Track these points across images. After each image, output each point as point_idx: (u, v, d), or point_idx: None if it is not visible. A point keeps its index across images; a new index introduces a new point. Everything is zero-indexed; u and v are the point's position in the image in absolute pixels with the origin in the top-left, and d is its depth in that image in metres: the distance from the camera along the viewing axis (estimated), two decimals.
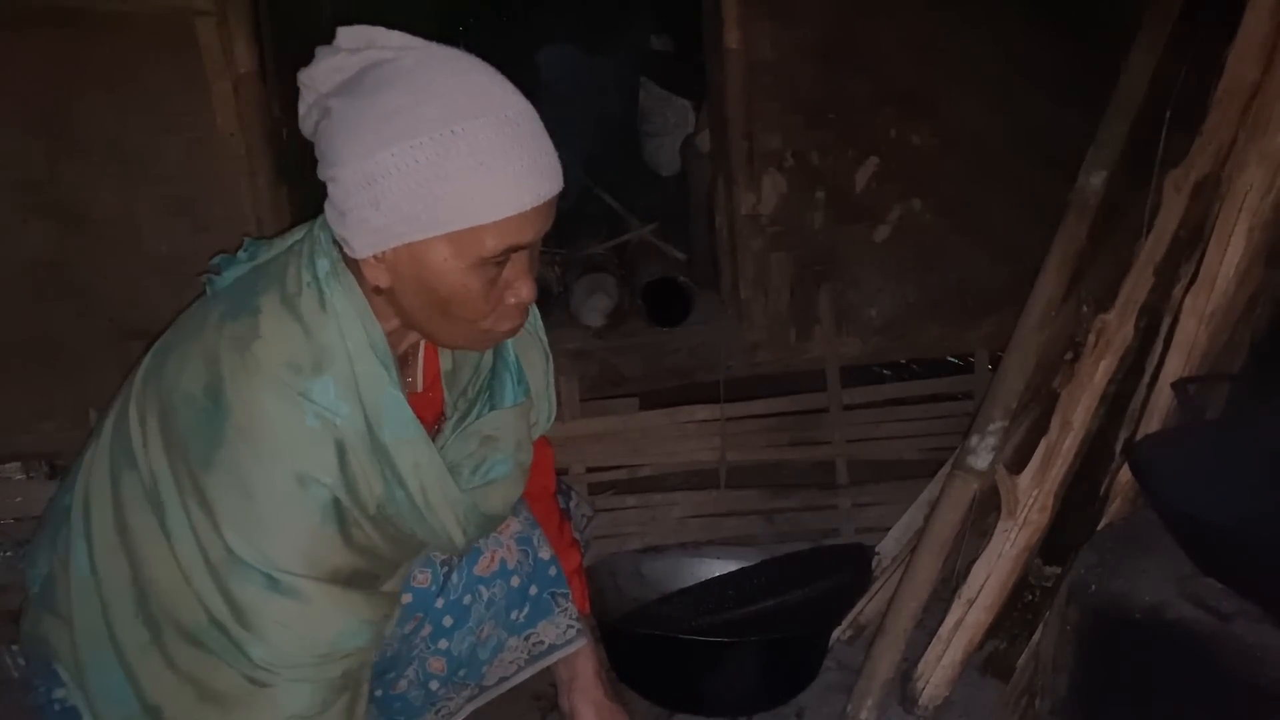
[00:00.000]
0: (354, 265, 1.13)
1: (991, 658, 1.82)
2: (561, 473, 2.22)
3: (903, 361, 2.58)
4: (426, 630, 1.36)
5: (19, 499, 2.11)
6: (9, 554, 2.10)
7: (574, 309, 2.43)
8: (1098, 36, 2.11)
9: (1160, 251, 1.72)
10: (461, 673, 1.40)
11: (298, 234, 1.23)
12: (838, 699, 1.79)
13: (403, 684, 1.38)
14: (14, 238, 1.99)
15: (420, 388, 1.29)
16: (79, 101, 1.94)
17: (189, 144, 1.98)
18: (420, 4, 3.07)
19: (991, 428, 1.81)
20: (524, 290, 1.12)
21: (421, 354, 1.29)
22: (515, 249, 1.09)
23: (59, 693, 1.23)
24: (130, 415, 1.16)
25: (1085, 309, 1.85)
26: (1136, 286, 1.72)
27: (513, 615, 1.42)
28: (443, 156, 1.02)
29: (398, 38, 1.08)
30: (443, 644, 1.37)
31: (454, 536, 1.24)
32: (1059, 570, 1.71)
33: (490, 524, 1.33)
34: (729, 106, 2.23)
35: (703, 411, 2.29)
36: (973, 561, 1.73)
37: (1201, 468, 1.33)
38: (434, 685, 1.39)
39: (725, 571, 2.04)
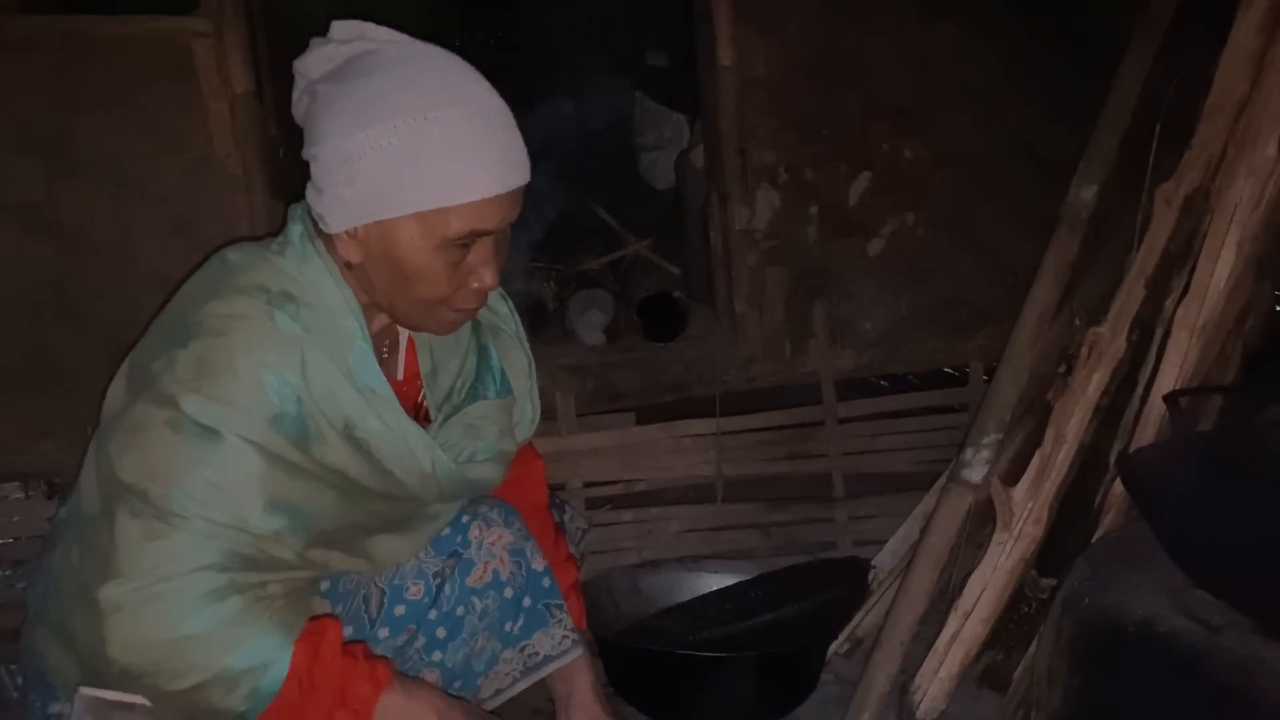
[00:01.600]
0: (327, 241, 1.18)
1: (988, 670, 1.82)
2: (558, 487, 2.23)
3: (900, 373, 2.59)
4: (420, 642, 1.36)
5: (17, 518, 2.12)
6: (7, 573, 2.10)
7: (570, 325, 2.44)
8: (1088, 51, 2.13)
9: (1151, 264, 1.73)
10: (456, 685, 1.40)
11: None
12: (835, 712, 1.79)
13: None
14: (13, 258, 2.00)
15: (400, 377, 1.32)
16: (77, 122, 1.96)
17: (186, 164, 2.00)
18: (417, 24, 3.08)
19: (985, 440, 1.82)
20: (487, 275, 1.18)
21: (403, 348, 1.33)
22: (479, 234, 1.15)
23: (55, 707, 1.23)
24: (114, 395, 1.20)
25: (1077, 321, 1.86)
26: (1128, 299, 1.73)
27: (507, 627, 1.42)
28: (415, 140, 1.10)
29: (385, 32, 1.16)
30: (436, 655, 1.37)
31: (423, 468, 1.25)
32: (1054, 582, 1.72)
33: (465, 487, 1.35)
34: (722, 122, 2.25)
35: (699, 425, 2.30)
36: (968, 574, 1.73)
37: (1193, 480, 1.34)
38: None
39: (722, 586, 2.04)
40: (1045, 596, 1.74)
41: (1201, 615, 1.21)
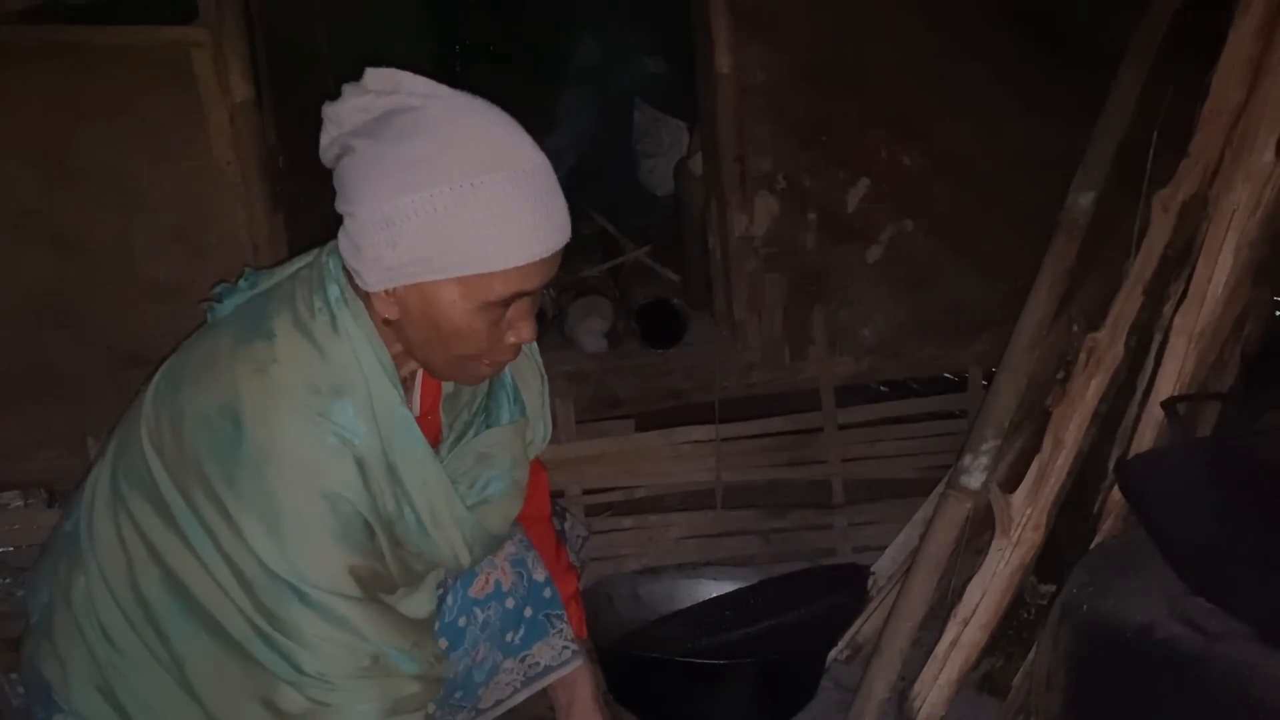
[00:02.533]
0: (363, 294, 1.17)
1: (988, 676, 1.83)
2: (558, 494, 2.23)
3: (900, 380, 2.59)
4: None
5: (17, 526, 2.12)
6: (7, 581, 2.10)
7: (569, 332, 2.44)
8: (1086, 58, 2.13)
9: (1149, 270, 1.74)
10: (458, 695, 1.40)
11: (299, 262, 1.26)
12: (835, 719, 1.79)
13: None
14: (12, 267, 2.01)
15: (418, 411, 1.30)
16: (77, 131, 1.96)
17: (186, 173, 2.00)
18: (415, 31, 3.09)
19: (984, 447, 1.82)
20: (525, 331, 1.17)
21: (419, 380, 1.31)
22: (521, 295, 1.14)
23: (58, 718, 1.24)
24: (142, 438, 1.18)
25: (1076, 328, 1.86)
26: (1126, 305, 1.73)
27: (508, 637, 1.43)
28: (460, 206, 1.08)
29: (423, 84, 1.12)
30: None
31: (460, 555, 1.27)
32: (1054, 588, 1.72)
33: (494, 542, 1.36)
34: (721, 130, 2.25)
35: (698, 432, 2.30)
36: (968, 580, 1.73)
37: (1191, 487, 1.34)
38: (429, 707, 1.39)
39: (722, 592, 2.04)
40: (1044, 603, 1.74)
41: (1199, 622, 1.21)
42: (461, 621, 1.38)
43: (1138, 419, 1.69)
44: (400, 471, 1.18)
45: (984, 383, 2.37)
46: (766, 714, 1.85)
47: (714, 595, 2.04)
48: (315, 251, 1.24)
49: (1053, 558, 1.73)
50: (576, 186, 3.29)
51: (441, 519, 1.23)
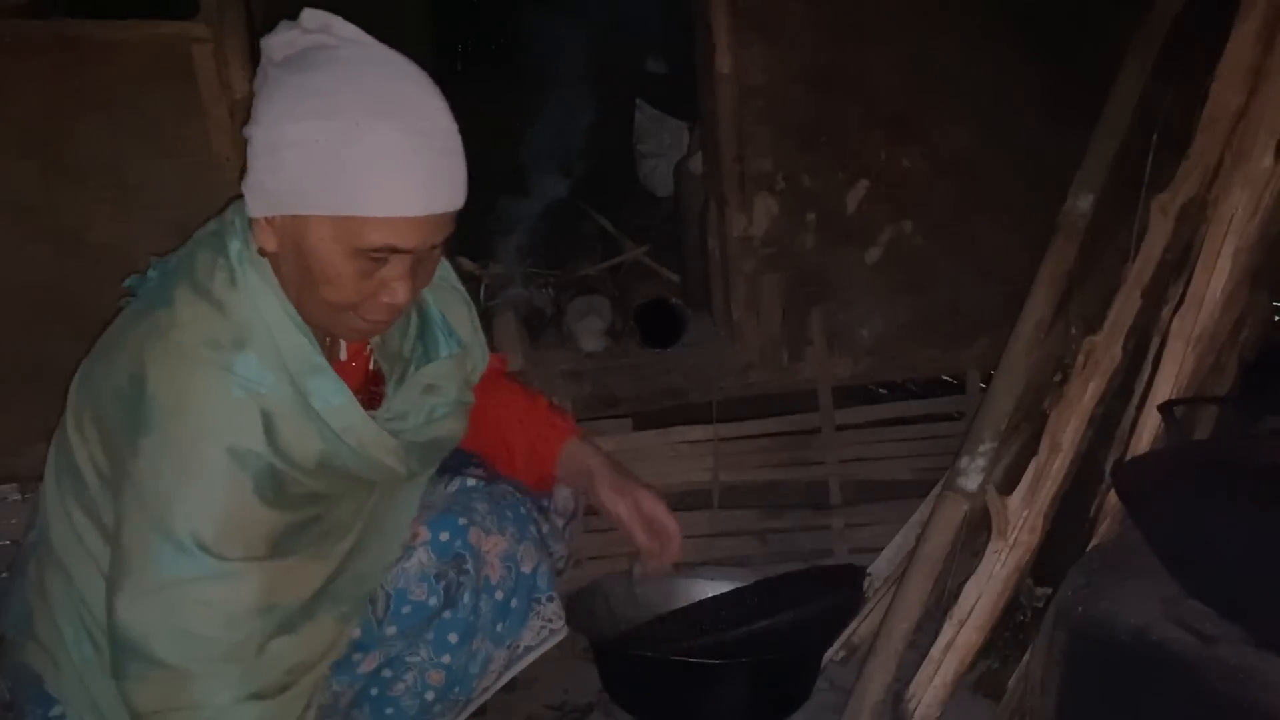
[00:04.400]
0: (255, 238, 1.16)
1: (983, 678, 1.83)
2: None
3: (898, 381, 2.59)
4: (430, 635, 1.37)
5: (14, 521, 2.12)
6: (4, 575, 2.10)
7: (567, 331, 2.44)
8: (1086, 61, 2.13)
9: (1148, 274, 1.74)
10: (456, 690, 1.41)
11: (200, 232, 1.27)
12: None
13: (399, 688, 1.38)
14: (10, 261, 2.00)
15: (344, 356, 1.31)
16: (76, 126, 1.95)
17: (185, 168, 1.99)
18: (415, 28, 3.09)
19: (981, 449, 1.82)
20: (400, 292, 1.15)
21: None
22: (395, 250, 1.13)
23: (55, 710, 1.24)
24: (68, 429, 1.19)
25: (1074, 331, 1.86)
26: (1124, 308, 1.73)
27: (498, 628, 1.44)
28: (344, 143, 1.08)
29: (352, 30, 1.14)
30: (446, 659, 1.38)
31: (396, 470, 1.27)
32: (1050, 591, 1.72)
33: (434, 452, 1.36)
34: (720, 130, 2.25)
35: (696, 432, 2.30)
36: (964, 582, 1.74)
37: (1187, 490, 1.34)
38: (430, 696, 1.39)
39: (718, 592, 2.04)
40: (1040, 605, 1.74)
41: (1194, 625, 1.21)
42: (473, 618, 1.39)
43: (1135, 422, 1.69)
44: (324, 417, 1.18)
45: (982, 385, 2.38)
46: (762, 714, 1.85)
47: (710, 595, 2.03)
48: (221, 211, 1.25)
49: (1049, 560, 1.73)
50: (576, 186, 3.32)
51: (373, 451, 1.23)
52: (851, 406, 2.39)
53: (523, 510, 1.46)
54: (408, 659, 1.38)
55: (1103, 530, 1.67)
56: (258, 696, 1.14)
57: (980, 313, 2.37)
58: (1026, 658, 1.69)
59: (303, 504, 1.19)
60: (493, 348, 2.35)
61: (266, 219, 1.14)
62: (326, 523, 1.24)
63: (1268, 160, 1.63)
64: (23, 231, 1.99)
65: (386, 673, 1.38)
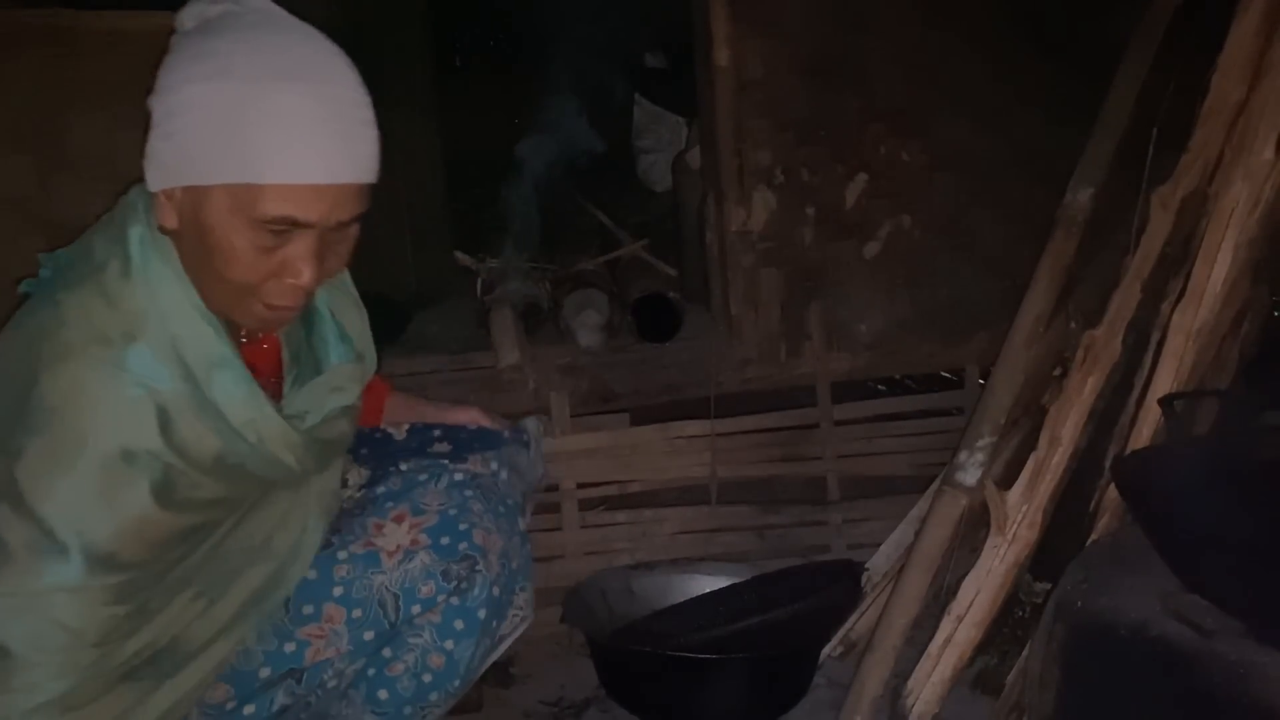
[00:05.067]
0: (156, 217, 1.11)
1: (982, 674, 1.82)
2: (552, 489, 2.23)
3: (897, 376, 2.59)
4: (436, 619, 1.36)
5: None
6: None
7: (564, 325, 2.43)
8: (1085, 54, 2.13)
9: (1148, 268, 1.73)
10: (456, 683, 1.41)
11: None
12: (828, 716, 1.79)
13: (399, 668, 1.37)
14: (4, 254, 1.99)
15: (245, 339, 1.25)
16: (71, 118, 1.94)
17: None
18: (414, 22, 3.08)
19: (980, 444, 1.81)
20: (304, 272, 1.09)
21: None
22: (295, 223, 1.06)
23: None
24: None
25: (1074, 325, 1.85)
26: (1124, 302, 1.73)
27: (494, 624, 1.43)
28: (241, 106, 1.02)
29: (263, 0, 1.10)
30: (449, 644, 1.37)
31: (293, 468, 1.22)
32: (1049, 586, 1.71)
33: (329, 453, 1.31)
34: (719, 124, 2.24)
35: (693, 427, 2.29)
36: (962, 578, 1.73)
37: (1187, 484, 1.33)
38: (427, 678, 1.38)
39: (716, 588, 2.03)
40: (1039, 600, 1.73)
41: (1194, 619, 1.21)
42: (482, 614, 1.38)
43: (1135, 417, 1.69)
44: (223, 409, 1.12)
45: (981, 380, 2.37)
46: (760, 710, 1.84)
47: (708, 591, 2.03)
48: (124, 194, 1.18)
49: (1048, 556, 1.72)
50: (575, 181, 3.31)
51: (274, 447, 1.17)
52: (850, 401, 2.38)
53: (511, 502, 1.46)
54: (410, 640, 1.37)
55: (1102, 525, 1.66)
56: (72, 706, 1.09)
57: (979, 307, 2.36)
58: (1025, 653, 1.68)
59: (201, 508, 1.14)
60: (489, 343, 2.38)
61: (165, 193, 1.08)
62: (233, 525, 1.20)
63: (1268, 153, 1.62)
64: (16, 224, 1.98)
65: (386, 652, 1.37)
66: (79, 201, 1.98)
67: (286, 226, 1.06)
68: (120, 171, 1.96)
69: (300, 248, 1.08)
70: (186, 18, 1.12)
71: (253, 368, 1.17)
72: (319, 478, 1.33)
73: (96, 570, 1.06)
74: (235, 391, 1.12)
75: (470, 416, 1.58)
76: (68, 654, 1.08)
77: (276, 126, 1.03)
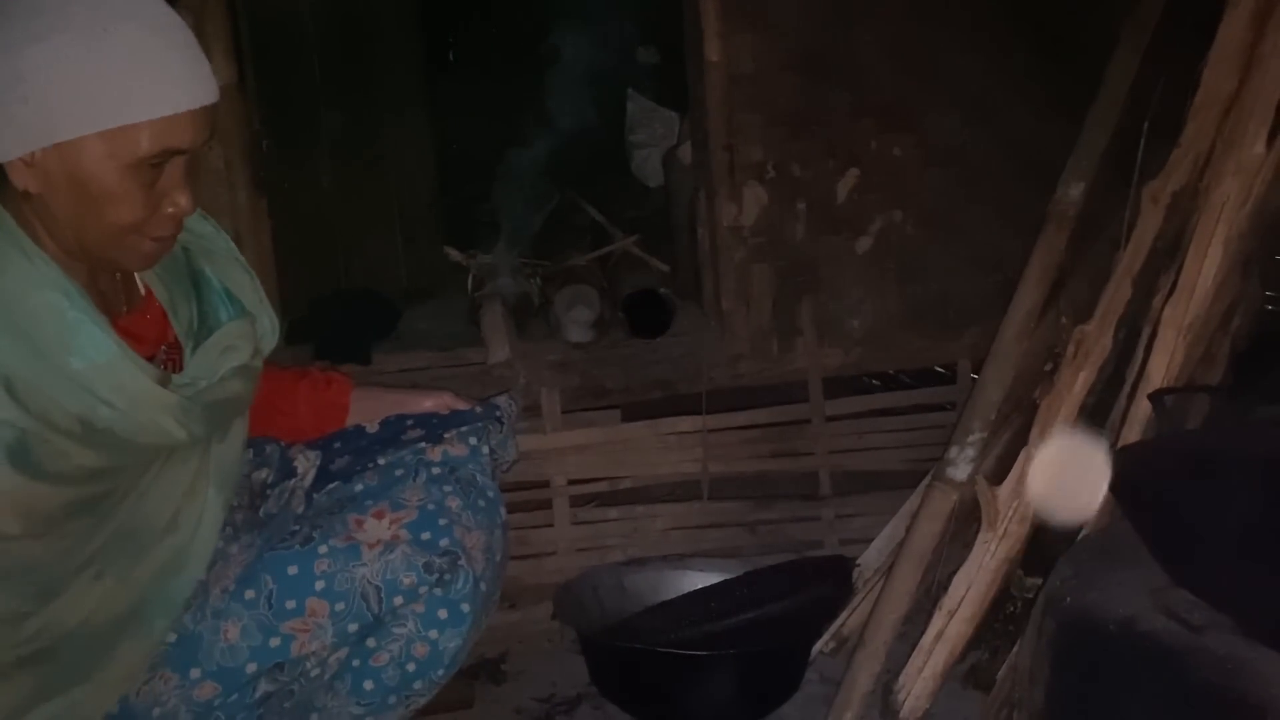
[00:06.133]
0: (8, 188, 1.10)
1: (974, 669, 1.82)
2: (543, 485, 2.23)
3: (889, 371, 2.58)
4: (421, 609, 1.36)
5: None
6: None
7: (555, 321, 2.43)
8: (1077, 49, 2.12)
9: (1139, 262, 1.73)
10: (440, 673, 1.40)
11: None
12: (819, 711, 1.78)
13: (383, 657, 1.37)
14: None
15: (126, 309, 1.25)
16: None
17: None
18: (404, 15, 3.07)
19: (971, 439, 1.81)
20: (182, 199, 1.13)
21: (140, 281, 1.28)
22: (172, 152, 1.09)
23: None
24: None
25: (1064, 320, 1.85)
26: (1115, 297, 1.73)
27: (481, 617, 1.43)
28: (95, 53, 1.04)
29: None
30: (433, 634, 1.37)
31: (174, 433, 1.20)
32: (1040, 581, 1.71)
33: (221, 414, 1.29)
34: (710, 118, 2.24)
35: (685, 423, 2.29)
36: (954, 573, 1.73)
37: (1176, 479, 1.33)
38: (410, 667, 1.38)
39: (707, 584, 2.03)
40: (1031, 596, 1.73)
41: (1182, 614, 1.21)
42: (465, 608, 1.38)
43: (1125, 412, 1.68)
44: (87, 377, 1.11)
45: (973, 375, 2.37)
46: (751, 705, 1.84)
47: (699, 587, 2.03)
48: None
49: (1040, 551, 1.72)
50: (568, 176, 3.30)
51: (146, 411, 1.16)
52: (842, 397, 2.38)
53: (490, 494, 1.45)
54: (394, 630, 1.37)
55: (1094, 520, 1.66)
56: None
57: (971, 302, 2.36)
58: (1016, 648, 1.68)
59: (81, 480, 1.13)
60: (480, 338, 2.37)
61: (24, 160, 1.07)
62: (110, 500, 1.18)
63: (1259, 147, 1.62)
64: None
65: (371, 642, 1.37)
66: None
67: (163, 159, 1.09)
68: None
69: (175, 176, 1.12)
70: None
71: (135, 337, 1.17)
72: (218, 447, 1.31)
73: None
74: (98, 357, 1.12)
75: (441, 402, 1.58)
76: None
77: (136, 65, 1.06)
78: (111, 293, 1.24)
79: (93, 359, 1.11)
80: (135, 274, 1.27)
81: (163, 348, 1.27)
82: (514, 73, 4.01)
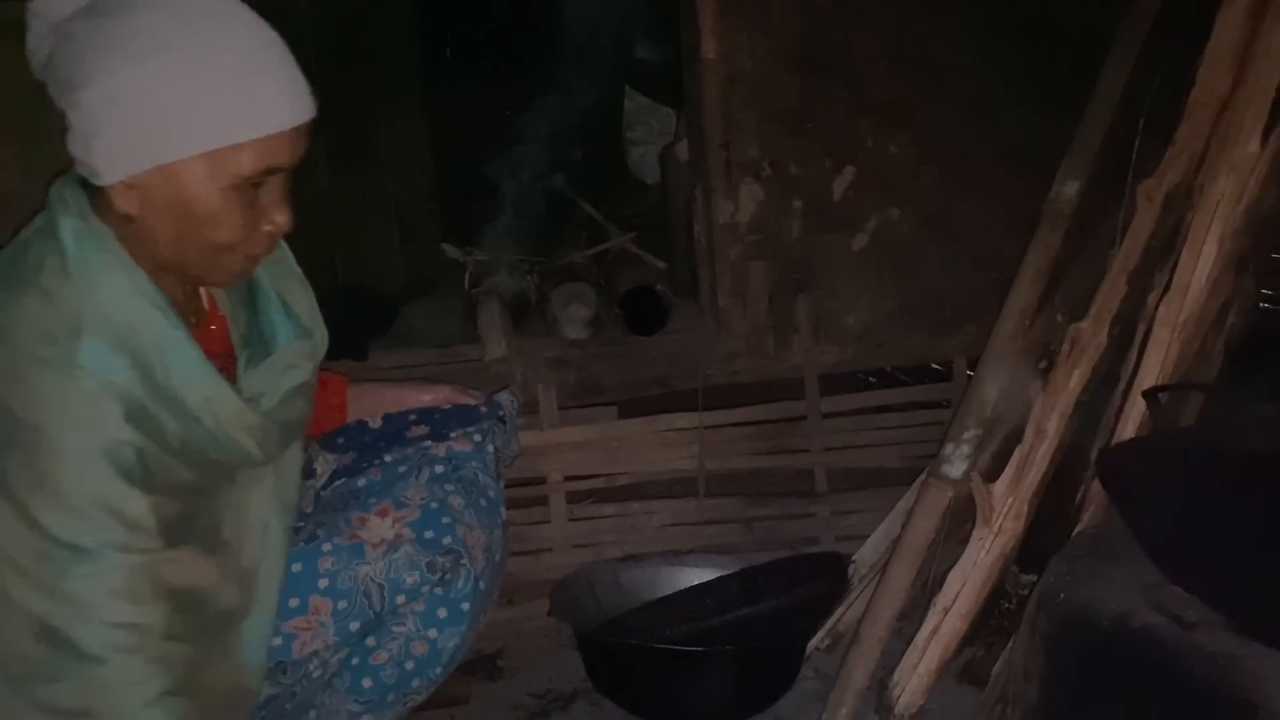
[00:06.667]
0: (106, 207, 1.10)
1: (969, 666, 1.83)
2: (539, 481, 2.23)
3: (885, 369, 2.59)
4: (421, 607, 1.37)
5: None
6: None
7: (552, 318, 2.43)
8: (1073, 47, 2.12)
9: (1133, 260, 1.73)
10: (438, 671, 1.41)
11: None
12: (815, 708, 1.79)
13: (383, 656, 1.38)
14: None
15: (195, 321, 1.26)
16: (51, 111, 1.93)
17: None
18: (400, 8, 3.07)
19: (966, 436, 1.81)
20: (279, 217, 1.14)
21: (205, 296, 1.29)
22: (273, 171, 1.10)
23: None
24: None
25: (1059, 317, 1.85)
26: (1110, 295, 1.73)
27: (479, 618, 1.44)
28: (198, 74, 1.04)
29: None
30: (432, 633, 1.38)
31: (253, 453, 1.22)
32: (1035, 579, 1.71)
33: (289, 434, 1.30)
34: (706, 116, 2.24)
35: (681, 420, 2.29)
36: (948, 570, 1.73)
37: (1169, 476, 1.34)
38: (409, 665, 1.39)
39: (703, 580, 2.03)
40: (1025, 593, 1.74)
41: (1175, 611, 1.21)
42: (464, 606, 1.39)
43: (1120, 409, 1.69)
44: (180, 394, 1.12)
45: (969, 372, 2.37)
46: (746, 702, 1.85)
47: (695, 583, 2.03)
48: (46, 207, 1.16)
49: (1035, 548, 1.73)
50: (565, 173, 3.30)
51: (231, 430, 1.17)
52: (838, 394, 2.38)
53: (491, 494, 1.46)
54: (394, 628, 1.37)
55: (1088, 518, 1.67)
56: (171, 692, 1.10)
57: (967, 300, 2.36)
58: (1011, 645, 1.69)
59: (182, 493, 1.14)
60: (477, 335, 2.37)
61: (125, 183, 1.07)
62: (208, 517, 1.20)
63: (1253, 145, 1.62)
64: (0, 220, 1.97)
65: (370, 640, 1.38)
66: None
67: (264, 178, 1.10)
68: None
69: (273, 193, 1.12)
70: (55, 7, 1.10)
71: (206, 351, 1.17)
72: (276, 477, 1.31)
73: (118, 559, 1.07)
74: (191, 374, 1.13)
75: (442, 396, 1.59)
76: (143, 648, 1.09)
77: (239, 85, 1.05)
78: (187, 306, 1.24)
79: (186, 376, 1.12)
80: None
81: (223, 362, 1.27)
82: (511, 70, 4.01)
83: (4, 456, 1.05)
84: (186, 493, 1.16)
